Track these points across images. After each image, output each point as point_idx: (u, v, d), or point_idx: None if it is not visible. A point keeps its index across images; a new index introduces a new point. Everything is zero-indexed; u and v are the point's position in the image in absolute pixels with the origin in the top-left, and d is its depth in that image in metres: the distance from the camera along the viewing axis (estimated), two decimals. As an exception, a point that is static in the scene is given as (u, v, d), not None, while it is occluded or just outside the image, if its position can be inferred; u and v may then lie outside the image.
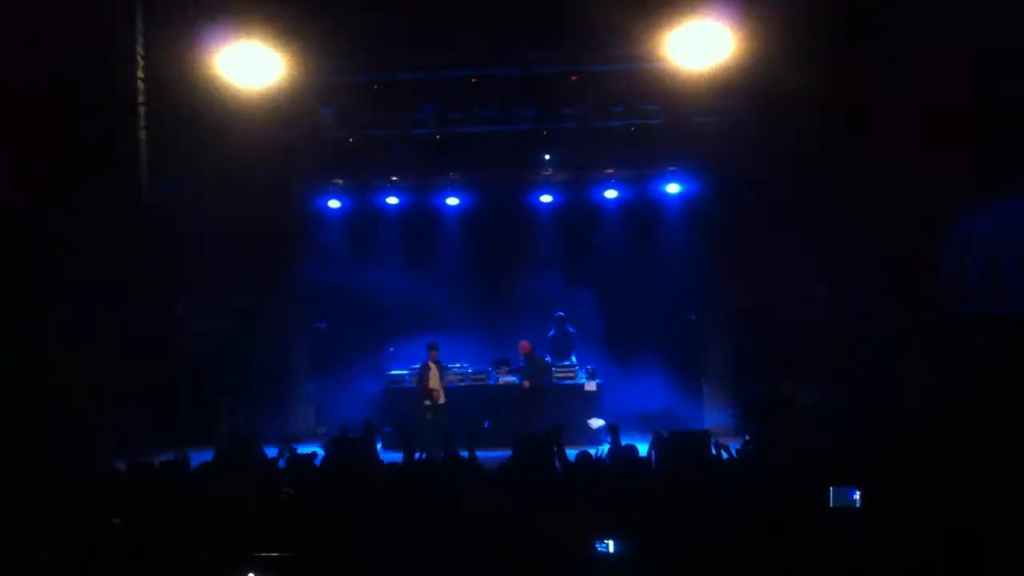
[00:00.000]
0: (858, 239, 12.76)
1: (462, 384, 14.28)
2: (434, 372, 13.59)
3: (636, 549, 5.03)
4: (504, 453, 8.73)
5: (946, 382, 11.20)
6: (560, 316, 15.05)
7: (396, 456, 9.37)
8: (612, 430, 8.80)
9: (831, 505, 4.82)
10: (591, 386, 14.13)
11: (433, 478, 7.03)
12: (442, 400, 13.54)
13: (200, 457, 9.09)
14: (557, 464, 7.90)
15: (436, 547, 5.35)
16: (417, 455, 8.70)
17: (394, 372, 14.61)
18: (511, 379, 14.26)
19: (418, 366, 13.86)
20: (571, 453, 8.43)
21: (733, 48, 11.33)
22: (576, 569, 5.14)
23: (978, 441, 7.42)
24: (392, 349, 15.24)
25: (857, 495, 4.85)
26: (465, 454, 8.23)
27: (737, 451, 8.24)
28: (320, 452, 9.30)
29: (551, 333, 15.02)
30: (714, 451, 8.87)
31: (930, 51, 10.75)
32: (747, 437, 8.50)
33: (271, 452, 8.97)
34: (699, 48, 11.40)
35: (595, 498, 6.06)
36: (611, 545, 4.89)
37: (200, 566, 5.48)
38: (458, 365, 14.47)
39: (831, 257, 13.23)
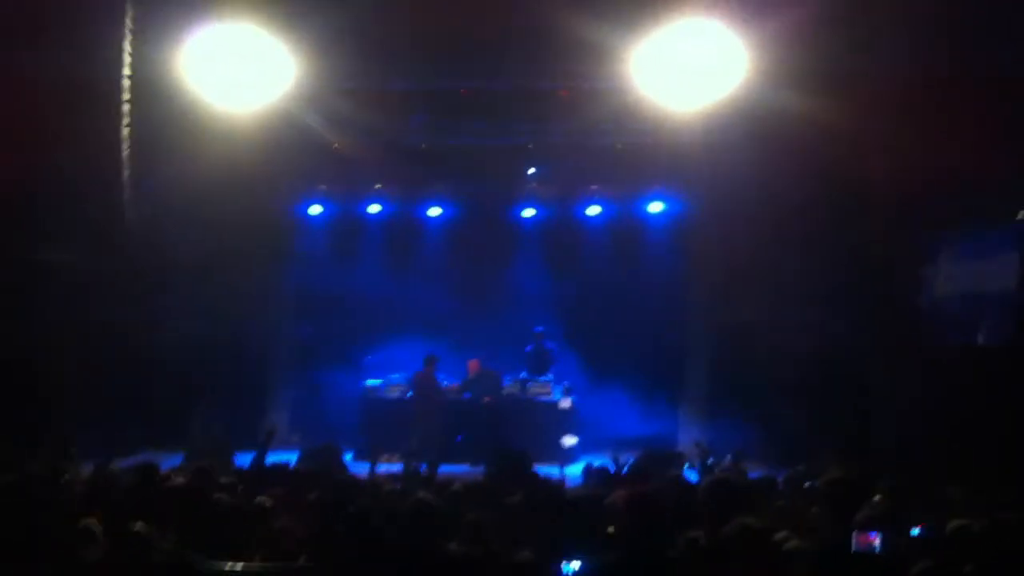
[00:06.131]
0: (840, 266, 12.77)
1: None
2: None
3: (602, 570, 4.98)
4: (477, 469, 8.70)
5: (923, 412, 11.19)
6: (539, 331, 14.96)
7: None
8: None
9: (852, 550, 4.47)
10: (565, 403, 14.00)
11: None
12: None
13: (170, 461, 9.02)
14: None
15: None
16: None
17: (371, 382, 14.50)
18: (465, 395, 14.22)
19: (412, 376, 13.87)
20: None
21: (726, 70, 11.32)
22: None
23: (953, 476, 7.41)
24: (370, 358, 15.14)
25: (878, 538, 4.46)
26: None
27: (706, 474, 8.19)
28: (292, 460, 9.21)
29: (529, 348, 14.93)
30: (686, 473, 8.86)
31: (920, 79, 10.81)
32: (711, 460, 8.49)
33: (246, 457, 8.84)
34: (691, 69, 11.37)
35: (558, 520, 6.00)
36: (576, 565, 4.85)
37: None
38: (435, 377, 14.38)
39: (813, 283, 13.21)
